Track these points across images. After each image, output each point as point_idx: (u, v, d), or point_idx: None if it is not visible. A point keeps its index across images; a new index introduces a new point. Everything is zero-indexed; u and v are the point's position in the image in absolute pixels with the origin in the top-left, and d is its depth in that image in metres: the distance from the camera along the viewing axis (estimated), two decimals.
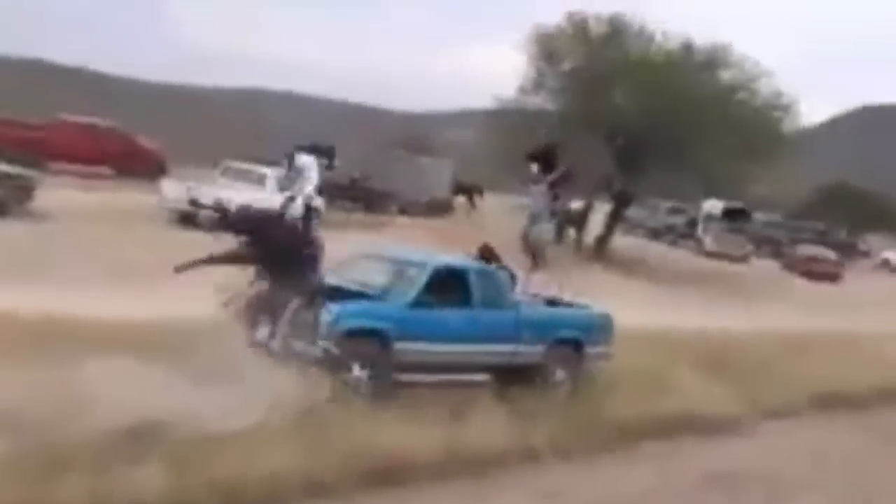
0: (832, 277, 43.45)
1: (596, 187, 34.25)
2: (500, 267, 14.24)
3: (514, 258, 15.18)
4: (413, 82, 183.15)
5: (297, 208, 12.39)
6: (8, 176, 22.34)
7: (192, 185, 25.15)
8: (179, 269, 11.50)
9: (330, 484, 9.58)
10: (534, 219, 15.96)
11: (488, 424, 11.67)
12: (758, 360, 18.08)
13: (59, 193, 23.79)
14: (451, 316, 12.84)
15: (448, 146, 52.13)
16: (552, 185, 15.73)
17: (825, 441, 15.34)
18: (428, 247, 19.07)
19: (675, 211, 48.27)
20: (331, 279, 12.39)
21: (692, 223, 47.02)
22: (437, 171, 39.44)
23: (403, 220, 31.98)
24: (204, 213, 23.32)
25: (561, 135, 30.65)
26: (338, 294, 12.17)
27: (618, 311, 15.22)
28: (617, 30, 34.51)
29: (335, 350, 11.59)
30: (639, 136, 32.45)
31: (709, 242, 44.96)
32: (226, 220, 12.78)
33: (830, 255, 46.46)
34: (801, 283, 40.81)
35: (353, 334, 11.87)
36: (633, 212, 41.97)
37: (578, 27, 34.54)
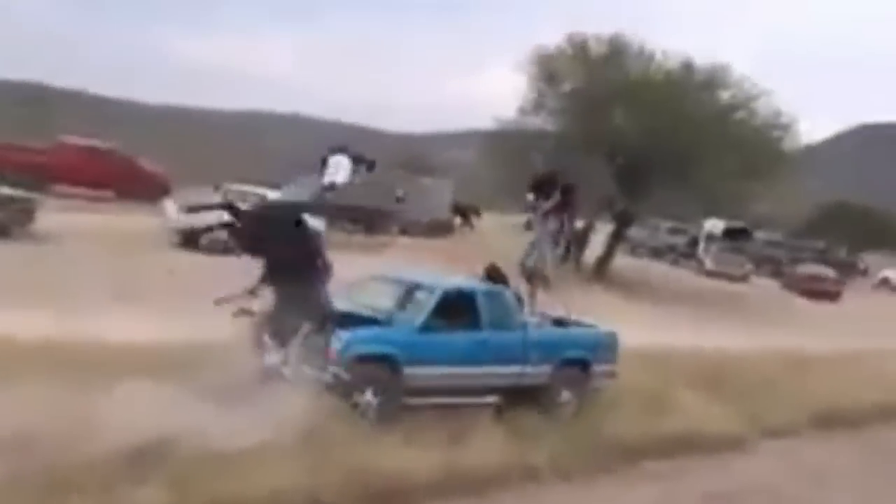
0: (832, 296, 43.46)
1: (597, 207, 34.28)
2: (507, 287, 14.34)
3: (516, 277, 15.27)
4: (413, 104, 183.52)
5: (317, 222, 12.26)
6: (10, 199, 22.43)
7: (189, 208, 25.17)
8: (219, 302, 11.48)
9: (331, 503, 9.65)
10: (533, 246, 16.07)
11: (488, 445, 11.75)
12: (758, 379, 18.12)
13: (60, 216, 23.90)
14: (460, 339, 12.93)
15: (449, 166, 52.30)
16: (553, 212, 15.89)
17: (826, 460, 15.36)
18: (432, 267, 19.09)
19: (675, 231, 48.34)
20: (341, 303, 12.42)
21: (693, 243, 47.09)
22: (438, 191, 39.52)
23: (405, 241, 32.00)
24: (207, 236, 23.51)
25: (561, 155, 30.86)
26: (348, 320, 12.22)
27: (619, 331, 15.27)
28: (617, 50, 34.57)
29: (345, 376, 11.66)
30: (639, 155, 32.48)
31: (709, 262, 45.04)
32: (237, 216, 12.26)
33: (830, 273, 46.49)
34: (801, 301, 40.83)
35: (363, 360, 11.95)
36: (633, 232, 42.04)
37: (578, 48, 34.61)
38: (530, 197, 16.33)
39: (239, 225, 12.11)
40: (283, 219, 11.81)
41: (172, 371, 10.69)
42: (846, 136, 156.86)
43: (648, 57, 34.68)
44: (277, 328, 11.69)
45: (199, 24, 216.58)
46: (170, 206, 26.10)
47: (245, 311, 11.54)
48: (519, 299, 14.40)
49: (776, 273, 48.23)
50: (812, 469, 14.66)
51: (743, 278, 44.57)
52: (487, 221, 42.10)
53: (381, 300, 13.38)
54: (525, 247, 16.34)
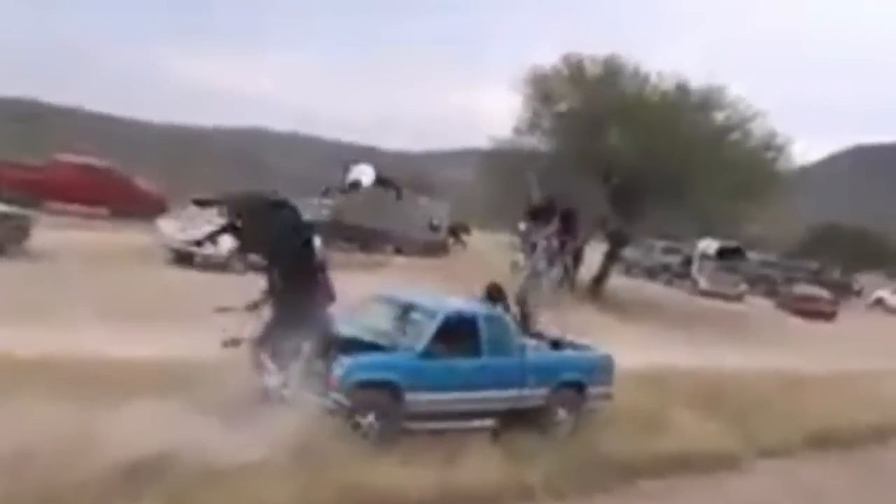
0: (827, 316, 43.56)
1: (591, 227, 34.31)
2: (506, 307, 14.36)
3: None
4: (412, 122, 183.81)
5: (320, 248, 12.21)
6: (5, 216, 22.40)
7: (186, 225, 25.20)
8: (220, 311, 11.42)
9: None
10: (532, 276, 16.07)
11: (484, 464, 11.78)
12: (753, 399, 18.13)
13: (55, 233, 23.86)
14: (461, 364, 12.95)
15: (446, 185, 52.30)
16: (553, 234, 15.92)
17: (821, 480, 15.36)
18: (430, 287, 19.08)
19: (669, 250, 48.40)
20: (343, 327, 12.41)
21: (687, 262, 47.15)
22: (434, 210, 39.53)
23: (401, 260, 32.02)
24: (201, 253, 23.51)
25: (556, 175, 30.89)
26: (350, 345, 12.24)
27: (613, 351, 15.30)
28: (612, 71, 34.73)
29: (346, 402, 11.67)
30: (634, 176, 32.57)
31: (703, 282, 45.11)
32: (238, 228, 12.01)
33: (825, 294, 46.59)
34: (796, 321, 40.88)
35: (364, 386, 11.96)
36: (628, 251, 42.10)
37: (574, 68, 34.76)
38: (522, 226, 16.41)
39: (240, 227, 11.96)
40: (287, 226, 11.71)
41: (168, 388, 10.71)
42: (841, 157, 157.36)
43: (643, 78, 34.85)
44: (277, 348, 11.62)
45: (197, 42, 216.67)
46: (165, 224, 26.09)
47: (234, 342, 11.50)
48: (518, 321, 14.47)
49: (770, 293, 48.35)
50: (807, 489, 14.67)
51: (738, 298, 44.68)
52: (482, 240, 42.09)
53: (382, 322, 13.44)
54: (522, 281, 16.28)
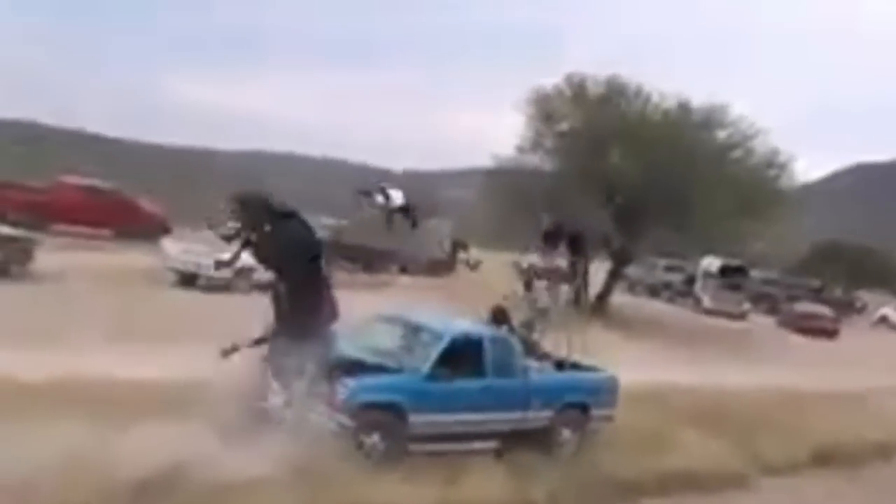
0: (829, 334, 43.48)
1: (595, 246, 34.31)
2: (511, 330, 14.40)
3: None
4: (414, 142, 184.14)
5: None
6: (10, 238, 22.46)
7: (191, 248, 25.31)
8: (225, 354, 11.47)
9: None
10: (539, 314, 16.13)
11: (487, 482, 11.79)
12: (758, 417, 18.10)
13: (59, 255, 23.92)
14: (465, 386, 12.92)
15: (448, 205, 52.34)
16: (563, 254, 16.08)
17: (826, 497, 15.36)
18: (434, 306, 19.10)
19: (671, 268, 48.39)
20: (347, 347, 12.44)
21: (690, 280, 47.14)
22: (438, 230, 39.54)
23: (405, 280, 32.06)
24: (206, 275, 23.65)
25: (558, 194, 31.00)
26: (354, 366, 12.24)
27: (618, 369, 15.32)
28: (614, 91, 34.84)
29: (350, 423, 11.67)
30: (637, 194, 32.63)
31: (706, 300, 45.08)
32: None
33: (827, 311, 46.54)
34: (799, 339, 40.81)
35: (368, 407, 11.96)
36: (630, 269, 42.09)
37: (576, 88, 34.88)
38: (524, 263, 16.59)
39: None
40: (295, 239, 11.72)
41: (174, 408, 10.74)
42: (842, 175, 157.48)
43: (645, 97, 34.94)
44: (279, 367, 11.61)
45: (200, 66, 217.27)
46: (169, 245, 26.16)
47: (234, 349, 11.52)
48: (524, 343, 14.49)
49: (772, 311, 48.30)
50: None
51: (741, 316, 44.60)
52: (485, 260, 42.06)
53: (387, 342, 13.44)
54: (527, 314, 16.32)
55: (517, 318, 15.49)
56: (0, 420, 9.65)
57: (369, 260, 33.86)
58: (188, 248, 25.25)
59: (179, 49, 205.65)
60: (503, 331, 14.25)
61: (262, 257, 12.01)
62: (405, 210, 13.48)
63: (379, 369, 12.57)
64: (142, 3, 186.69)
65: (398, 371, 12.66)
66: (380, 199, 13.38)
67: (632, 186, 32.47)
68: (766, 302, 49.75)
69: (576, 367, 15.14)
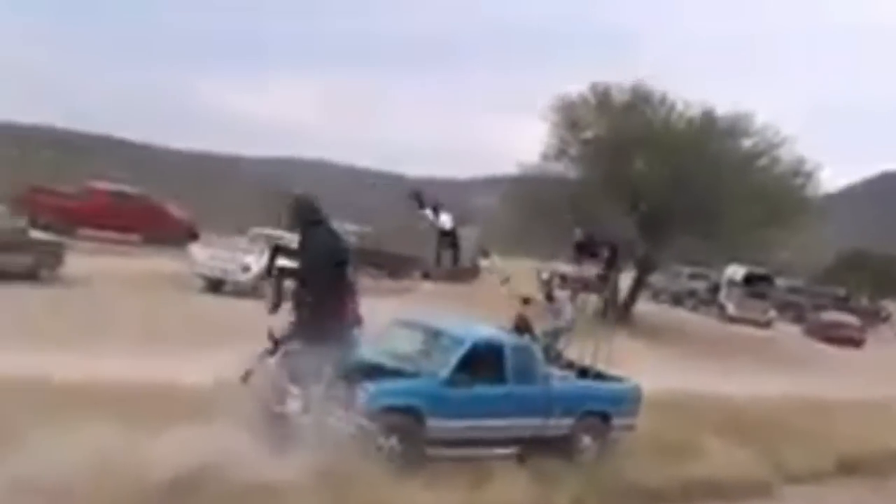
0: (855, 343, 43.22)
1: (624, 256, 34.27)
2: (534, 338, 14.46)
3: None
4: (439, 149, 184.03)
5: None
6: (40, 242, 22.74)
7: (218, 254, 25.56)
8: (244, 379, 11.59)
9: None
10: (556, 333, 16.22)
11: (511, 488, 11.85)
12: (783, 425, 18.08)
13: (88, 259, 24.19)
14: (485, 392, 12.94)
15: (474, 212, 52.39)
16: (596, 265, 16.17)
17: None
18: (455, 312, 19.19)
19: (695, 276, 48.25)
20: (368, 352, 12.50)
21: (714, 288, 46.97)
22: (464, 237, 39.54)
23: (428, 286, 32.14)
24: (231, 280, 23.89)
25: (583, 201, 31.06)
26: (374, 371, 12.31)
27: (642, 376, 15.35)
28: (639, 98, 34.82)
29: (370, 427, 11.72)
30: (661, 202, 32.59)
31: (731, 308, 44.89)
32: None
33: (854, 320, 46.27)
34: (825, 348, 40.61)
35: (388, 410, 12.02)
36: (654, 277, 42.01)
37: (601, 96, 34.89)
38: (545, 275, 16.72)
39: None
40: (323, 245, 11.79)
41: (201, 411, 10.87)
42: (867, 183, 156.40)
43: (670, 105, 34.90)
44: (297, 370, 11.62)
45: (228, 72, 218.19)
46: (196, 251, 26.37)
47: (249, 373, 11.65)
48: (546, 351, 14.56)
49: (798, 319, 48.06)
50: None
51: (766, 324, 44.41)
52: (508, 267, 42.08)
53: (407, 347, 13.50)
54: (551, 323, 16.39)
55: (539, 326, 15.58)
56: (34, 422, 9.79)
57: (394, 266, 33.98)
58: (215, 253, 25.51)
59: (210, 54, 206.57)
60: (525, 339, 14.32)
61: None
62: (450, 235, 13.62)
63: (397, 374, 12.63)
64: (173, 4, 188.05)
65: (416, 375, 12.72)
66: (429, 212, 13.52)
67: (657, 194, 32.44)
68: (793, 310, 49.50)
69: (600, 376, 15.15)
